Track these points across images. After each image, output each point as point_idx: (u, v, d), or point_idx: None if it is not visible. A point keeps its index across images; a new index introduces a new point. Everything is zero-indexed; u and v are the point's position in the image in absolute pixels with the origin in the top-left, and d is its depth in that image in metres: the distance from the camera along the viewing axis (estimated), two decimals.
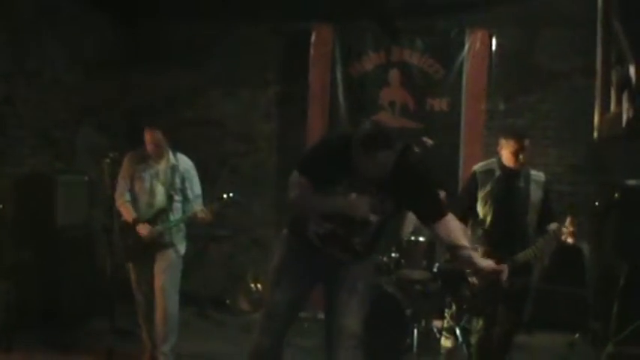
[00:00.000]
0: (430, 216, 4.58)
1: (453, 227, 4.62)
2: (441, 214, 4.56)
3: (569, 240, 5.46)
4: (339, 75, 9.23)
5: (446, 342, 7.16)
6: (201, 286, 9.00)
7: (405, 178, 4.44)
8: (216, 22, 9.65)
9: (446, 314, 7.25)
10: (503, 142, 5.80)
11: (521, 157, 5.71)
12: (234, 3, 9.03)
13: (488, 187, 5.71)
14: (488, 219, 5.80)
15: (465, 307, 6.52)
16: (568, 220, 5.48)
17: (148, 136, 6.47)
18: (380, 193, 4.41)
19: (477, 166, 5.95)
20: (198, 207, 6.57)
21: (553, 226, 5.65)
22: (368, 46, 9.24)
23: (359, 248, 4.54)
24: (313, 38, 9.32)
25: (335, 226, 4.45)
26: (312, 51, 9.31)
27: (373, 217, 4.44)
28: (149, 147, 6.50)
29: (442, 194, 8.11)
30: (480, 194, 5.82)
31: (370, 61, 9.24)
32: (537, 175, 5.93)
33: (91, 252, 8.44)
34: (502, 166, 5.81)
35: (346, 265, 4.57)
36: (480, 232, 5.89)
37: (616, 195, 7.25)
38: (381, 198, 4.43)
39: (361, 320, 4.59)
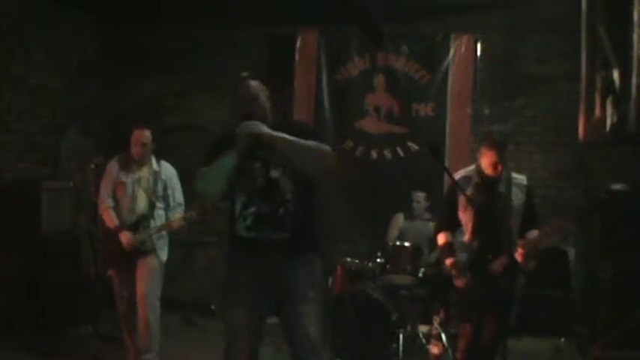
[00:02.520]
0: (316, 153, 4.48)
1: None
2: (323, 148, 4.53)
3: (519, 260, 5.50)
4: (324, 80, 9.24)
5: (433, 348, 7.16)
6: (187, 292, 8.98)
7: (287, 131, 4.42)
8: (202, 27, 9.63)
9: (434, 321, 7.25)
10: (484, 150, 5.79)
11: (499, 167, 5.71)
12: (220, 8, 9.02)
13: (468, 194, 5.68)
14: (470, 225, 5.80)
15: (452, 312, 6.54)
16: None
17: (136, 137, 6.47)
18: (271, 154, 4.40)
19: (457, 174, 5.93)
20: (178, 215, 6.57)
21: (534, 233, 5.68)
22: (353, 51, 9.26)
23: (288, 221, 4.42)
24: (298, 43, 9.33)
25: (255, 206, 4.42)
26: (297, 56, 9.33)
27: (274, 173, 4.42)
28: (135, 149, 6.49)
29: (422, 195, 8.18)
30: (461, 201, 5.82)
31: (355, 66, 9.26)
32: (519, 178, 5.92)
33: (75, 258, 8.40)
34: (481, 173, 5.81)
35: (293, 274, 4.46)
36: (461, 239, 5.89)
37: (601, 195, 7.27)
38: (273, 154, 4.40)
39: (321, 327, 4.56)
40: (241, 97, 4.50)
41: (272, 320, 4.61)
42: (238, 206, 4.49)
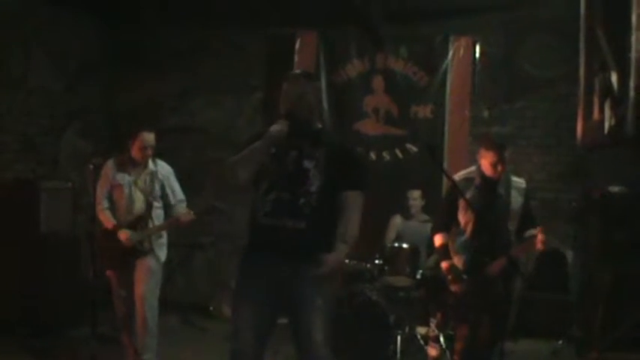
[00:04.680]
0: (346, 184, 4.61)
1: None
2: (356, 188, 4.71)
3: (539, 247, 5.49)
4: (323, 81, 9.19)
5: (431, 351, 7.16)
6: (185, 293, 8.98)
7: (327, 141, 4.56)
8: (201, 28, 9.63)
9: (431, 323, 7.25)
10: (482, 152, 5.80)
11: (499, 167, 5.71)
12: (220, 9, 9.02)
13: (468, 196, 5.69)
14: (469, 227, 5.80)
15: (448, 314, 6.55)
16: (537, 229, 5.52)
17: (144, 139, 6.45)
18: (310, 148, 4.47)
19: (457, 176, 5.94)
20: (182, 211, 6.57)
21: (532, 232, 5.67)
22: (352, 52, 9.26)
23: (307, 211, 4.41)
24: (298, 45, 9.33)
25: (277, 192, 4.40)
26: (296, 57, 9.32)
27: (307, 164, 4.44)
28: (142, 152, 6.46)
29: (417, 193, 8.19)
30: (461, 202, 5.82)
31: (354, 67, 9.26)
32: (518, 181, 5.94)
33: (74, 258, 8.39)
34: (482, 175, 5.82)
35: (304, 279, 4.41)
36: (461, 240, 5.90)
37: (595, 196, 7.29)
38: (312, 149, 4.47)
39: (328, 332, 4.56)
40: (287, 92, 4.50)
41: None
42: (260, 192, 4.46)
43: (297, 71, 4.68)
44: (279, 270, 4.42)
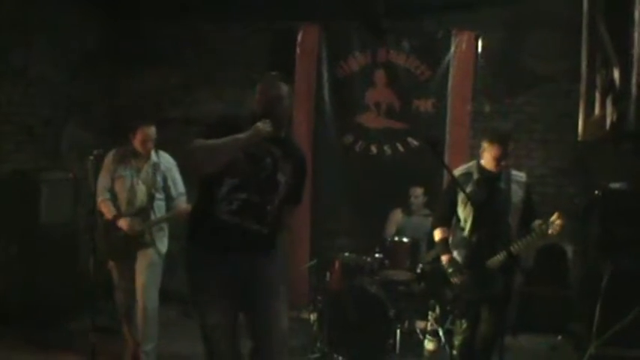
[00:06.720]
0: (294, 199, 4.75)
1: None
2: (298, 203, 4.85)
3: (552, 232, 5.47)
4: (325, 75, 9.23)
5: (429, 344, 7.17)
6: (186, 285, 8.96)
7: (294, 153, 4.69)
8: (203, 21, 9.63)
9: (429, 317, 7.26)
10: (486, 145, 5.79)
11: (503, 162, 5.71)
12: (222, 1, 9.01)
13: (468, 190, 5.68)
14: (469, 222, 5.80)
15: (448, 308, 6.55)
16: (555, 215, 5.49)
17: (145, 133, 6.45)
18: (282, 159, 4.57)
19: (457, 170, 5.94)
20: (182, 205, 6.56)
21: (537, 222, 5.66)
22: (354, 46, 9.25)
23: (270, 218, 4.51)
24: (299, 38, 9.31)
25: (248, 194, 4.42)
26: (298, 50, 9.30)
27: (280, 177, 4.52)
28: (143, 145, 6.46)
29: (419, 190, 8.19)
30: (460, 197, 5.83)
31: (356, 61, 9.25)
32: (519, 175, 5.93)
33: (74, 250, 8.39)
34: (481, 169, 5.81)
35: (266, 270, 4.54)
36: (460, 235, 5.90)
37: (596, 192, 7.28)
38: (283, 162, 4.57)
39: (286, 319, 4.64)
40: (265, 92, 4.59)
41: None
42: (225, 188, 4.43)
43: (273, 73, 4.69)
44: (239, 267, 4.48)
